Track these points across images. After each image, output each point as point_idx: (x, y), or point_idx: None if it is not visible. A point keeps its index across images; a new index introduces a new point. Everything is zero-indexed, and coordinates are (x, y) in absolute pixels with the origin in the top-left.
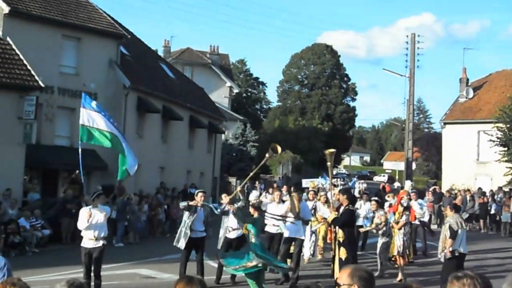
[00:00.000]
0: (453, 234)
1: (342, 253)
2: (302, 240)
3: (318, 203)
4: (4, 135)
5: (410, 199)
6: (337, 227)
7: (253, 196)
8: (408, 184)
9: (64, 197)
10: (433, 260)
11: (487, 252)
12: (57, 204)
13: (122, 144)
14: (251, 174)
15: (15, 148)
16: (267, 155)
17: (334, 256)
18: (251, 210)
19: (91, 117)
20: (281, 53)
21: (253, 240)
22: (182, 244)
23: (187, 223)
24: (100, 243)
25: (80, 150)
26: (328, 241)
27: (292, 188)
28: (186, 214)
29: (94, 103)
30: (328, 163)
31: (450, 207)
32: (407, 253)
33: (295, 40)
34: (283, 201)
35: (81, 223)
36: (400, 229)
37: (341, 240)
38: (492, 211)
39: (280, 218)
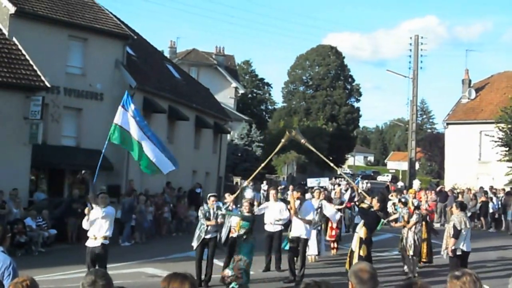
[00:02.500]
0: (456, 233)
1: (363, 250)
2: (306, 240)
3: (324, 202)
4: (10, 135)
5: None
6: (360, 226)
7: (247, 195)
8: (417, 184)
9: (70, 197)
10: (437, 258)
11: (489, 249)
12: (63, 204)
13: (150, 153)
14: (259, 168)
15: (21, 148)
16: (282, 140)
17: (352, 252)
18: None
19: (126, 119)
20: (286, 55)
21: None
22: (194, 244)
23: (203, 227)
24: (100, 242)
25: (103, 149)
26: (328, 237)
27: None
28: (202, 217)
29: (132, 107)
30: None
31: (456, 205)
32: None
33: (300, 41)
34: (281, 200)
35: (83, 222)
36: (411, 228)
37: (363, 237)
38: (491, 210)
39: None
